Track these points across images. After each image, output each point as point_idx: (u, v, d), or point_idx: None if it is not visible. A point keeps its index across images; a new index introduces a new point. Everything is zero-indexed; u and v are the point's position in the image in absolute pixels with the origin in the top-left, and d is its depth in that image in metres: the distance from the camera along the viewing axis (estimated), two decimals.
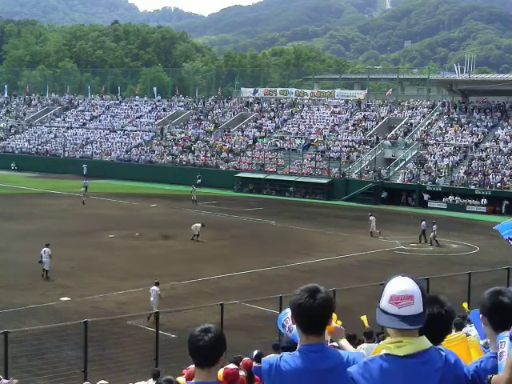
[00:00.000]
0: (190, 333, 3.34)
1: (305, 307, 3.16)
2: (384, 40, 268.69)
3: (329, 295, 3.22)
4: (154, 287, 20.60)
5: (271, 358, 3.22)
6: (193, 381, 3.36)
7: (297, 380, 3.10)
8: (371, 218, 37.89)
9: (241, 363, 3.82)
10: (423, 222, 36.51)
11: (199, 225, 34.67)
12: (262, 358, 3.22)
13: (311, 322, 3.17)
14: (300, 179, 58.67)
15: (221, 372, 3.51)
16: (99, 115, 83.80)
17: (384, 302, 2.96)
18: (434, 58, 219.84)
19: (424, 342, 2.98)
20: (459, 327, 8.39)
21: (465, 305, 13.48)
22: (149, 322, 18.60)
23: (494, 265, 26.71)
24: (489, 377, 3.04)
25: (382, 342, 3.08)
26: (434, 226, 35.89)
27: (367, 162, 59.37)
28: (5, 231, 35.06)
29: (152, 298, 20.44)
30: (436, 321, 3.28)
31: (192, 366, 3.47)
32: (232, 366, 3.73)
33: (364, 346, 10.17)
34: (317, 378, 3.11)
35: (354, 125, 66.81)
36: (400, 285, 2.95)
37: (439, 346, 3.06)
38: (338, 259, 31.06)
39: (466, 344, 3.77)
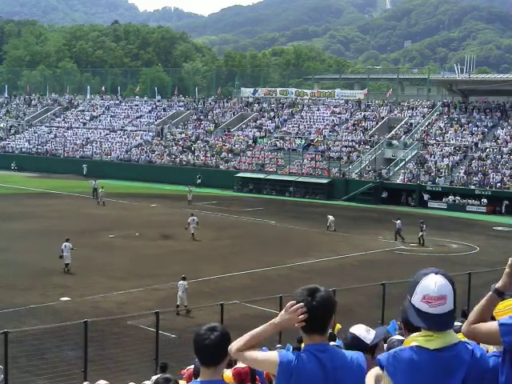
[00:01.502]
0: (195, 332, 3.33)
1: (305, 306, 3.15)
2: (384, 40, 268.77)
3: (329, 294, 3.24)
4: (182, 281, 21.00)
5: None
6: (198, 380, 3.34)
7: (308, 379, 3.13)
8: (330, 217, 38.92)
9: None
10: (398, 221, 36.55)
11: (196, 218, 34.89)
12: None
13: (313, 321, 3.17)
14: (300, 179, 58.65)
15: (230, 372, 3.49)
16: (99, 115, 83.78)
17: (416, 299, 3.08)
18: (434, 58, 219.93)
19: (453, 337, 3.09)
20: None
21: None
22: (179, 315, 20.27)
23: (493, 265, 26.64)
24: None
25: (412, 335, 3.16)
26: (424, 226, 35.86)
27: (367, 161, 59.37)
28: (5, 231, 35.04)
29: (180, 293, 20.83)
30: None
31: (191, 367, 3.45)
32: (242, 365, 3.71)
33: None
34: (326, 377, 3.14)
35: (354, 125, 66.79)
36: (435, 285, 3.05)
37: (466, 340, 3.17)
38: (338, 259, 31.05)
39: None
